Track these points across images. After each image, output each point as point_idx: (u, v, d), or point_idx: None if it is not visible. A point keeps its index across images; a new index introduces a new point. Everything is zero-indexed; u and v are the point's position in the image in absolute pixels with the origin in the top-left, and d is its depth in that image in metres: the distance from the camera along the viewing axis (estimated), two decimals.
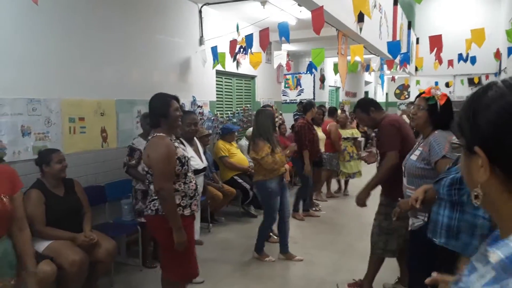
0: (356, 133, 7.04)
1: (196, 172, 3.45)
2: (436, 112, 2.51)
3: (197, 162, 3.48)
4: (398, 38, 10.44)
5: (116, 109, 4.31)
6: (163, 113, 2.60)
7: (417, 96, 2.67)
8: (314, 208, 6.08)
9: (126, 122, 4.45)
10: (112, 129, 4.28)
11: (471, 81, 16.43)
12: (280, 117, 7.48)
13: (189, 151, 3.44)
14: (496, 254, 0.64)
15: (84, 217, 3.29)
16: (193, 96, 5.60)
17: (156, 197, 2.59)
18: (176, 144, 2.64)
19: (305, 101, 5.97)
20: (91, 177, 4.03)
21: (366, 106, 3.32)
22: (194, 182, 2.71)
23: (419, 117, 2.58)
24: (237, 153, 5.62)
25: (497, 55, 11.66)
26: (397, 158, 2.98)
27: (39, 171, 3.16)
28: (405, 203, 2.87)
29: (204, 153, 4.87)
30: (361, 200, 3.23)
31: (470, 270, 0.76)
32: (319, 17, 4.15)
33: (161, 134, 2.58)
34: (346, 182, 7.25)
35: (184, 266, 2.70)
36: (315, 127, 5.81)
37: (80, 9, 3.85)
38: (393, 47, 6.78)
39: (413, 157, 2.59)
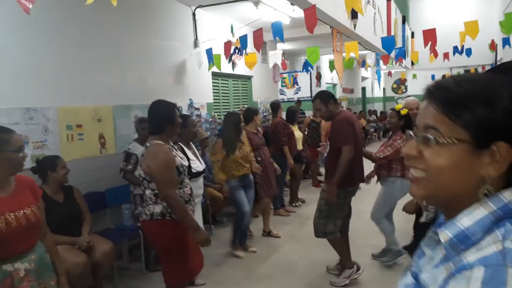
0: None
1: (197, 174, 3.47)
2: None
3: (197, 164, 3.50)
4: (392, 33, 10.45)
5: (113, 115, 4.32)
6: (171, 119, 2.63)
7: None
8: (295, 204, 6.35)
9: (124, 128, 4.46)
10: (110, 135, 4.29)
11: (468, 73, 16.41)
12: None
13: (189, 154, 3.46)
14: (444, 233, 0.67)
15: (84, 223, 3.32)
16: (190, 99, 5.61)
17: (151, 202, 2.61)
18: (173, 152, 2.66)
19: (276, 102, 6.24)
20: (91, 184, 4.04)
21: (326, 98, 3.51)
22: (189, 187, 2.73)
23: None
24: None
25: (492, 46, 11.66)
26: (352, 151, 3.26)
27: (40, 179, 3.17)
28: (410, 205, 3.09)
29: (203, 155, 4.91)
30: (331, 196, 3.40)
31: (419, 255, 0.79)
32: (312, 16, 4.16)
33: (159, 142, 2.58)
34: None
35: (182, 269, 2.71)
36: (292, 126, 6.07)
37: (74, 16, 3.86)
38: (388, 42, 6.79)
39: None
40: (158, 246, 2.74)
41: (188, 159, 3.39)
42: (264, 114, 7.80)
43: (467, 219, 0.65)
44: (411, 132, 0.74)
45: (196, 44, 5.73)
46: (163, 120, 2.62)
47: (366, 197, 6.47)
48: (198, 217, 3.57)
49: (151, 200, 2.62)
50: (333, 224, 3.47)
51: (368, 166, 3.77)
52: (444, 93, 0.68)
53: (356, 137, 3.36)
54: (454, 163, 0.66)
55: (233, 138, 4.20)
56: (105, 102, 4.23)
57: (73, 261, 2.94)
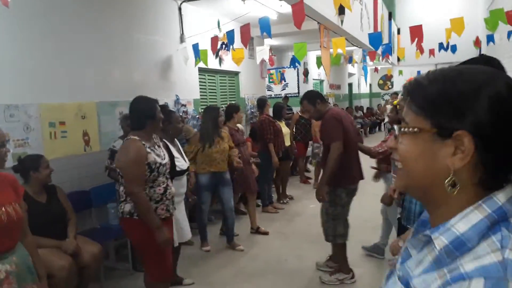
0: None
1: (180, 172, 3.41)
2: None
3: (181, 162, 3.43)
4: (379, 29, 10.49)
5: (98, 111, 4.22)
6: (151, 114, 2.65)
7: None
8: (283, 201, 6.35)
9: (108, 125, 4.36)
10: (94, 132, 4.19)
11: None
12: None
13: (173, 152, 3.40)
14: (439, 240, 0.64)
15: (68, 224, 3.22)
16: (176, 95, 5.53)
17: (122, 200, 2.64)
18: (148, 149, 2.61)
19: (261, 98, 6.25)
20: (75, 182, 3.94)
21: (313, 98, 3.49)
22: (163, 186, 2.69)
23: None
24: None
25: (477, 43, 11.84)
26: (341, 148, 3.22)
27: (21, 178, 3.07)
28: (385, 196, 3.05)
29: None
30: (321, 195, 3.37)
31: (404, 257, 0.76)
32: (300, 12, 4.12)
33: (134, 137, 2.59)
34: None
35: (159, 266, 2.71)
36: (280, 122, 6.06)
37: (56, 9, 3.75)
38: (375, 38, 6.80)
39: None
40: (134, 243, 2.78)
41: (172, 157, 3.33)
42: (252, 110, 7.75)
43: (463, 224, 0.63)
44: (395, 127, 0.75)
45: (182, 39, 5.64)
46: (143, 116, 2.63)
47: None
48: (181, 215, 3.50)
49: (122, 197, 2.64)
50: (342, 225, 3.43)
51: (366, 163, 3.75)
52: (415, 89, 0.71)
53: (346, 133, 3.31)
54: (418, 152, 0.68)
55: (210, 132, 4.17)
56: (89, 99, 4.13)
57: (58, 264, 2.84)
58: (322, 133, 3.51)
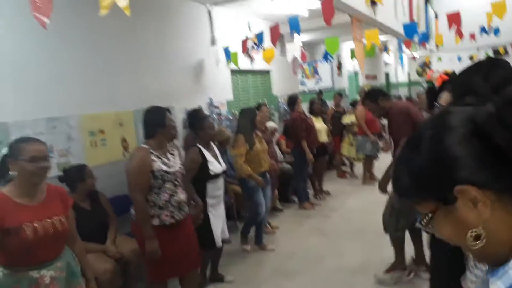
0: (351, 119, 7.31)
1: (216, 176, 3.50)
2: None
3: (215, 166, 3.50)
4: (414, 16, 10.13)
5: (135, 119, 4.37)
6: (161, 123, 2.78)
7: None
8: (319, 197, 6.34)
9: None
10: (132, 138, 4.34)
11: (496, 52, 15.81)
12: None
13: (207, 156, 3.48)
14: (496, 286, 0.61)
15: (109, 228, 3.38)
16: (210, 98, 5.62)
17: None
18: (155, 157, 2.72)
19: (292, 95, 6.22)
20: (116, 188, 4.10)
21: (375, 96, 3.47)
22: (168, 193, 2.77)
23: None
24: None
25: None
26: None
27: (66, 187, 3.24)
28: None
29: (225, 152, 4.92)
30: (383, 187, 3.37)
31: None
32: (329, 8, 4.07)
33: (142, 146, 2.77)
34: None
35: (156, 267, 2.81)
36: (314, 118, 6.11)
37: (91, 23, 3.90)
38: (410, 29, 6.58)
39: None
40: (138, 244, 2.91)
41: (206, 161, 3.42)
42: (285, 107, 7.74)
43: None
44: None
45: (213, 42, 5.71)
46: (153, 125, 2.78)
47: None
48: (219, 216, 3.60)
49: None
50: (405, 219, 3.33)
51: None
52: (397, 187, 0.73)
53: (416, 125, 3.21)
54: (450, 229, 0.67)
55: (250, 132, 4.25)
56: (126, 107, 4.28)
57: (103, 268, 3.01)
58: (390, 128, 3.46)
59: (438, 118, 0.67)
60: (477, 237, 0.62)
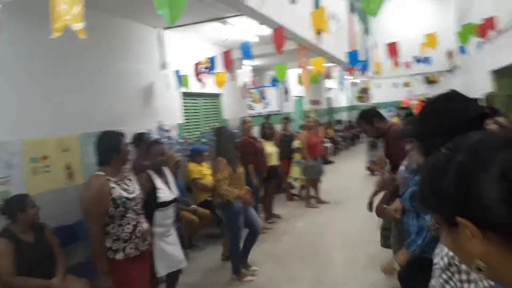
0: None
1: (166, 204, 3.34)
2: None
3: (166, 193, 3.35)
4: (356, 45, 10.73)
5: (80, 143, 4.16)
6: (116, 148, 2.66)
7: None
8: (270, 221, 6.29)
9: (91, 156, 4.26)
10: (77, 164, 4.12)
11: (427, 80, 17.20)
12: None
13: (158, 183, 3.34)
14: None
15: (57, 263, 3.13)
16: (160, 121, 5.50)
17: None
18: (114, 184, 2.60)
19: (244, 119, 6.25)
20: (59, 217, 3.84)
21: (370, 118, 3.46)
22: (132, 224, 2.66)
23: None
24: (209, 174, 5.54)
25: (449, 55, 12.28)
26: None
27: (7, 219, 2.99)
28: (388, 213, 3.06)
29: (176, 178, 4.77)
30: (381, 214, 3.31)
31: None
32: (280, 37, 4.20)
33: (98, 173, 2.62)
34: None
35: None
36: (264, 141, 6.15)
37: (35, 43, 3.71)
38: (352, 56, 6.96)
39: (401, 167, 2.73)
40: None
41: (155, 189, 3.28)
42: (235, 131, 7.76)
43: None
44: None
45: (163, 66, 5.64)
46: (108, 151, 2.65)
47: (337, 211, 6.53)
48: (170, 244, 3.42)
49: None
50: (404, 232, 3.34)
51: None
52: (422, 202, 0.77)
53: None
54: (451, 243, 0.72)
55: (234, 154, 4.12)
56: (72, 130, 4.07)
57: None
58: (388, 150, 3.44)
59: (470, 145, 0.68)
60: (479, 270, 0.65)
